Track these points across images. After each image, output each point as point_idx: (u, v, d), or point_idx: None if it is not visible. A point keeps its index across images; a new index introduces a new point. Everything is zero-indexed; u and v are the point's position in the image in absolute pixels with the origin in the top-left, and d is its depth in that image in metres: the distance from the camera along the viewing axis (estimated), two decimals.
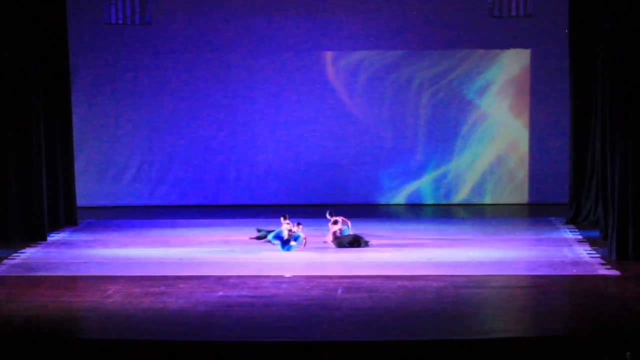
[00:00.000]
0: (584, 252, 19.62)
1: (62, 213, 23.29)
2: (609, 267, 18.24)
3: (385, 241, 21.02)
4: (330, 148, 26.64)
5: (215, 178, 26.76)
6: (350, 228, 20.78)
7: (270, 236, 20.56)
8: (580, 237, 21.26)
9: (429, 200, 26.65)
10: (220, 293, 16.42)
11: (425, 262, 18.91)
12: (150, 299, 16.02)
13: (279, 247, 20.13)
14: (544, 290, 16.55)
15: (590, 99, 22.32)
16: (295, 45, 26.32)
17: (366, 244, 20.41)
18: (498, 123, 26.49)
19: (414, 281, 17.13)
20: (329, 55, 26.42)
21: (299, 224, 20.35)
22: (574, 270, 18.03)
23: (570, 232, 21.93)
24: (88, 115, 26.37)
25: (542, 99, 26.18)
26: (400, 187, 26.71)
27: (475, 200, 26.59)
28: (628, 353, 13.25)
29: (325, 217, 20.97)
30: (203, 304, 15.69)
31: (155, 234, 22.45)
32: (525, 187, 26.57)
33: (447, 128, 26.48)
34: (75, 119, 24.16)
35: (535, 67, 26.18)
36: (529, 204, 26.38)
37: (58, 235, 22.21)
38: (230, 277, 17.61)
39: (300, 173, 26.60)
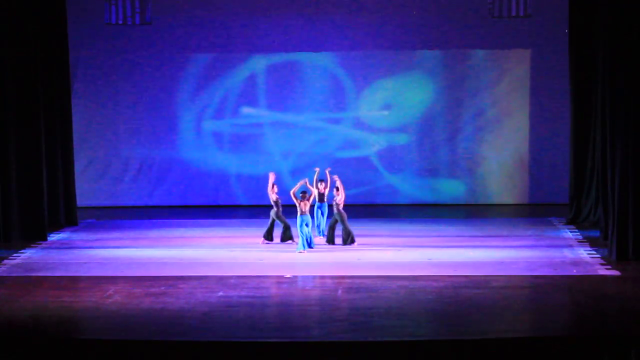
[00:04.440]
0: (584, 253, 19.62)
1: (62, 213, 23.30)
2: (609, 267, 18.24)
3: (385, 241, 21.06)
4: (331, 148, 26.66)
5: (215, 178, 26.77)
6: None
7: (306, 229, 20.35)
8: (580, 237, 21.27)
9: (429, 200, 26.66)
10: (221, 293, 16.41)
11: (425, 262, 18.92)
12: (151, 300, 16.01)
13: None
14: (544, 291, 16.54)
15: (590, 99, 22.32)
16: (295, 45, 26.34)
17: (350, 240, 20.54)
18: (498, 123, 26.50)
19: (414, 281, 17.13)
20: (329, 55, 26.42)
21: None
22: (574, 271, 18.03)
23: (571, 232, 21.94)
24: (88, 115, 26.39)
25: (542, 99, 26.19)
26: (400, 187, 26.73)
27: (475, 201, 26.60)
28: (633, 351, 13.25)
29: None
30: (203, 304, 15.68)
31: (155, 234, 22.46)
32: (525, 187, 26.57)
33: (446, 128, 26.49)
34: (75, 119, 24.20)
35: (535, 67, 26.19)
36: (529, 204, 26.39)
37: (58, 235, 22.22)
38: (230, 277, 17.60)
39: (301, 173, 26.57)
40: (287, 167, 26.52)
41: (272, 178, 20.80)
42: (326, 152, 26.55)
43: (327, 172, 21.00)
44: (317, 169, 20.98)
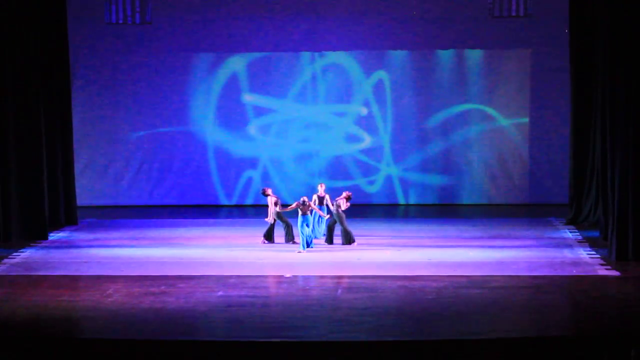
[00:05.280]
0: (584, 253, 19.62)
1: (62, 213, 23.31)
2: (608, 267, 18.24)
3: (385, 241, 21.06)
4: (330, 148, 26.68)
5: (215, 178, 26.78)
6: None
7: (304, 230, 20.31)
8: (580, 237, 21.28)
9: (429, 200, 26.66)
10: (220, 293, 16.41)
11: (425, 262, 18.91)
12: (150, 299, 16.01)
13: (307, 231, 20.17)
14: (544, 291, 16.54)
15: (590, 99, 22.32)
16: (295, 45, 26.36)
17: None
18: (498, 123, 26.51)
19: (414, 281, 17.13)
20: (329, 55, 26.43)
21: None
22: (574, 271, 18.03)
23: (570, 232, 21.94)
24: (88, 115, 26.40)
25: (542, 99, 26.20)
26: (400, 187, 26.73)
27: (475, 201, 26.60)
28: (633, 351, 13.25)
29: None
30: (203, 304, 15.68)
31: (155, 234, 22.46)
32: (526, 187, 26.58)
33: (447, 128, 26.49)
34: (75, 119, 24.21)
35: (535, 67, 26.20)
36: (529, 204, 26.39)
37: (58, 234, 22.23)
38: (230, 277, 17.61)
39: (301, 173, 26.62)
40: (287, 167, 26.58)
41: (270, 200, 20.74)
42: (325, 152, 26.61)
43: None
44: (320, 195, 20.85)
